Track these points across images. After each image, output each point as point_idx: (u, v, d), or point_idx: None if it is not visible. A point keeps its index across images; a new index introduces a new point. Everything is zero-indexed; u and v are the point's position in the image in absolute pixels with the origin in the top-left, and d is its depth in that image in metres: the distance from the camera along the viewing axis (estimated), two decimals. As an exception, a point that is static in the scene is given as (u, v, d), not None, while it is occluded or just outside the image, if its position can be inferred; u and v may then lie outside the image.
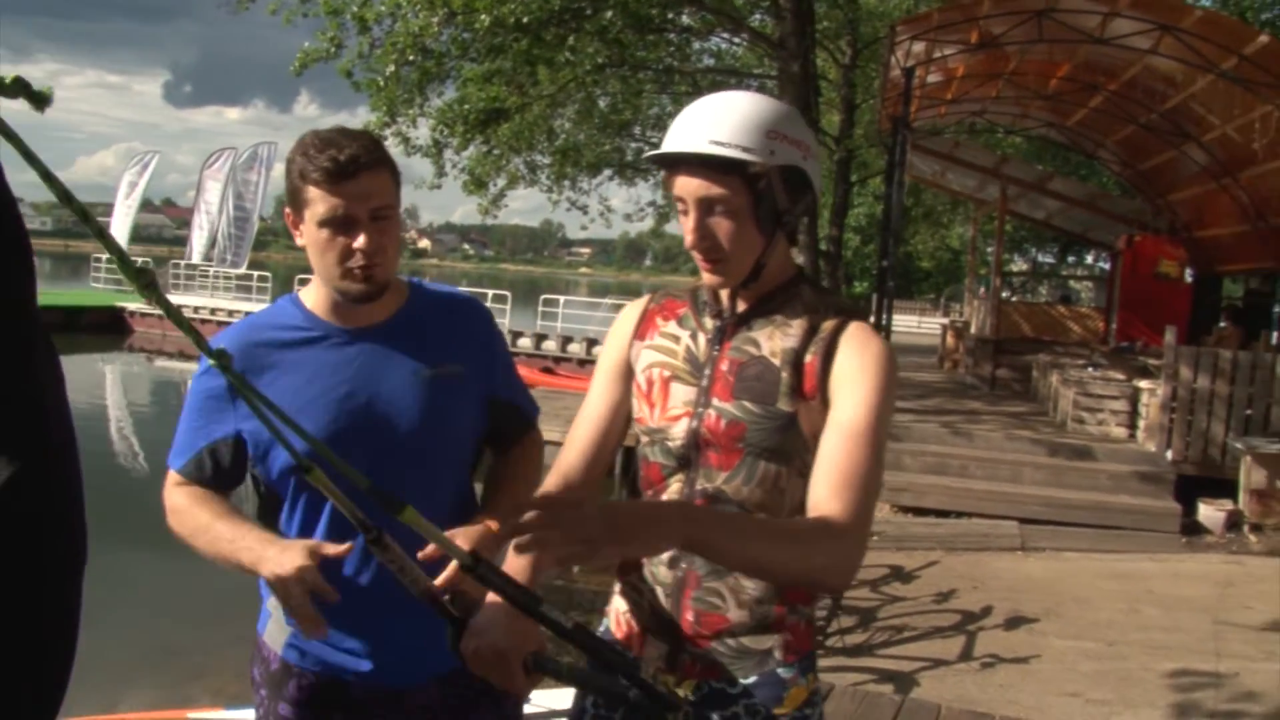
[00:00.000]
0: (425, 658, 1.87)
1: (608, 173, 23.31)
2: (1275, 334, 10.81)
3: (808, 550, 1.43)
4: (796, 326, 1.62)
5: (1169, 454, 9.04)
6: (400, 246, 1.86)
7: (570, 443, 1.75)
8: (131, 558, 6.81)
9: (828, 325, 1.61)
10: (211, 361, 1.23)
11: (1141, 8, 9.03)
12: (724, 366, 1.64)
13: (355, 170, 1.72)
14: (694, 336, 1.69)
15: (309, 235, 1.78)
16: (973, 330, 16.35)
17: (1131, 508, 8.50)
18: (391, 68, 10.20)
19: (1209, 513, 8.49)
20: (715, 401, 1.62)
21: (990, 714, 4.27)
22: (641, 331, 1.76)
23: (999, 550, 8.02)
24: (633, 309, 1.81)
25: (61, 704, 1.23)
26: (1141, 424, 9.79)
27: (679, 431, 1.65)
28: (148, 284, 1.08)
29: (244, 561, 1.68)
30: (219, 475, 1.85)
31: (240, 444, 1.84)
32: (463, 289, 2.10)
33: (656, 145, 1.59)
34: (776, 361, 1.61)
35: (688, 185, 1.57)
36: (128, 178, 31.86)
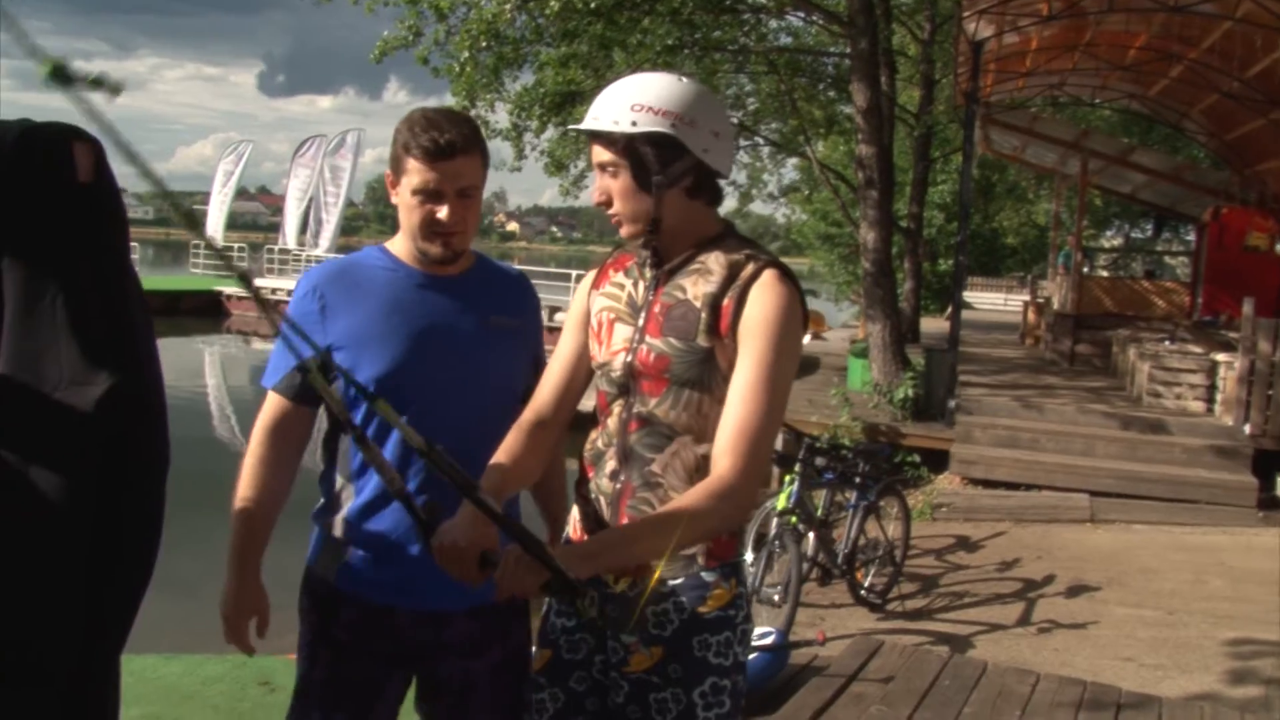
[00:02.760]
0: (464, 587, 2.08)
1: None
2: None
3: (698, 522, 1.72)
4: (717, 274, 1.87)
5: (1246, 428, 8.90)
6: (480, 221, 2.13)
7: (543, 382, 2.06)
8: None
9: (745, 273, 1.85)
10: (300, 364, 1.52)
11: (1219, -27, 8.87)
12: (656, 309, 1.91)
13: (452, 153, 1.99)
14: (635, 285, 1.97)
15: (403, 198, 2.05)
16: (1054, 306, 16.13)
17: (1207, 481, 8.41)
18: (466, 53, 10.51)
19: (1288, 487, 8.37)
20: (647, 338, 1.90)
21: (1034, 671, 4.37)
22: (597, 282, 2.05)
23: (1068, 522, 8.02)
24: (596, 268, 2.10)
25: (151, 575, 1.50)
26: (1219, 398, 9.64)
27: (618, 364, 1.93)
28: (242, 275, 1.35)
29: (228, 562, 2.09)
30: (306, 392, 2.09)
31: (327, 362, 2.05)
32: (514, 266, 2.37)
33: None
34: (698, 304, 1.86)
35: (592, 154, 1.90)
36: (223, 167, 32.93)
